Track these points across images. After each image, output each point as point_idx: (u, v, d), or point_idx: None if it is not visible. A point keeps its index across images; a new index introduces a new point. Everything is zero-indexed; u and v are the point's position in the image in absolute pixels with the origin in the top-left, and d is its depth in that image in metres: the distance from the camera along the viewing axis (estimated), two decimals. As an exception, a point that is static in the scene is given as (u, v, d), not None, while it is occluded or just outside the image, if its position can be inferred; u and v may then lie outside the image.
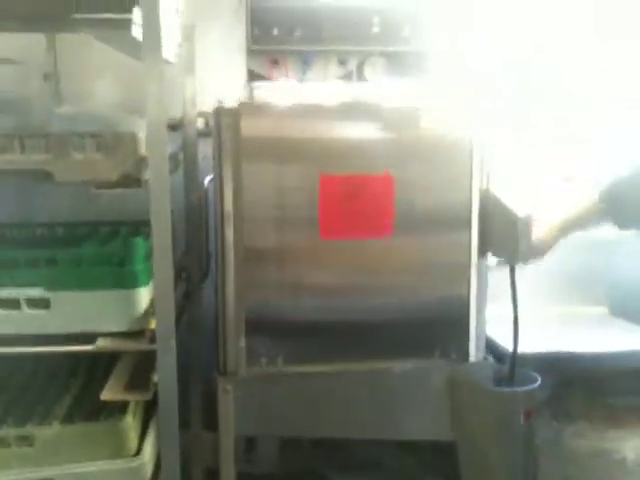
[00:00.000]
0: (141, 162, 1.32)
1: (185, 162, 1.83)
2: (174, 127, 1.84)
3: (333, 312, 1.49)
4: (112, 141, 1.31)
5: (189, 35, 1.79)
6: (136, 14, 1.24)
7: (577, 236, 2.05)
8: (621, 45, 2.18)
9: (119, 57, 1.75)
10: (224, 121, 1.40)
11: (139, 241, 1.38)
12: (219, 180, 1.43)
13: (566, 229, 1.62)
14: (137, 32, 1.25)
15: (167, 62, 1.72)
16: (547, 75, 2.16)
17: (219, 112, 1.41)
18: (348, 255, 1.48)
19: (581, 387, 1.77)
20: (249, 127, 1.40)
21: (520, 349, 1.67)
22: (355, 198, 1.45)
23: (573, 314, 2.15)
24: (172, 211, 1.77)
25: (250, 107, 1.44)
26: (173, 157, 1.80)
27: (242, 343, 1.45)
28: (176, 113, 1.85)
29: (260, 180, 1.43)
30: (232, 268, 1.44)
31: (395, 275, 1.51)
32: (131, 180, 1.30)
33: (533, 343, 1.77)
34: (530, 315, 2.11)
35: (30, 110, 1.82)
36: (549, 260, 2.09)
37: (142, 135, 1.37)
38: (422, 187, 1.49)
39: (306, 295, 1.48)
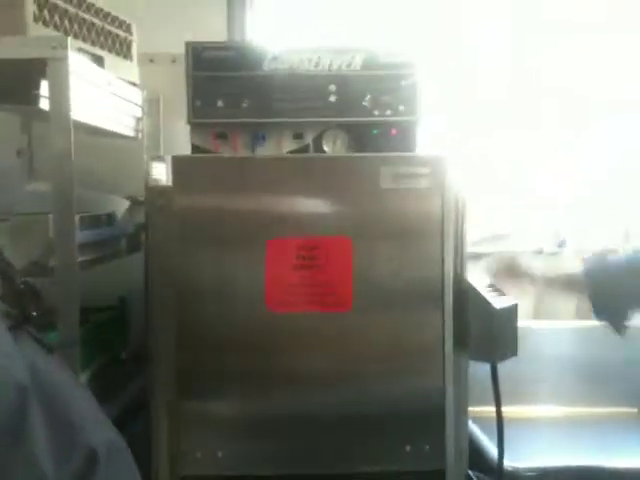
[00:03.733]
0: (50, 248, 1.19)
1: (146, 240, 1.70)
2: (135, 204, 1.74)
3: (283, 406, 1.29)
4: (21, 224, 1.18)
5: (154, 109, 1.71)
6: (44, 87, 1.13)
7: (602, 331, 1.80)
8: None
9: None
10: (155, 203, 1.26)
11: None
12: (148, 268, 1.28)
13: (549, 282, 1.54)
14: (44, 104, 1.14)
15: (125, 137, 1.63)
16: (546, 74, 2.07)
17: (150, 193, 1.27)
18: (301, 334, 1.28)
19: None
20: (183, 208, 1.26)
21: (516, 463, 1.44)
22: (307, 265, 1.27)
23: (599, 416, 1.88)
24: (124, 297, 1.65)
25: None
26: (134, 236, 1.68)
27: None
28: (138, 190, 1.75)
29: (195, 259, 1.27)
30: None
31: (357, 362, 1.30)
32: (39, 268, 1.16)
33: (536, 454, 1.52)
34: (546, 418, 1.87)
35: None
36: (571, 355, 1.86)
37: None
38: (385, 259, 1.29)
39: (250, 385, 1.28)
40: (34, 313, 0.70)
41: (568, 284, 1.54)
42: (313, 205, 1.28)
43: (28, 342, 0.69)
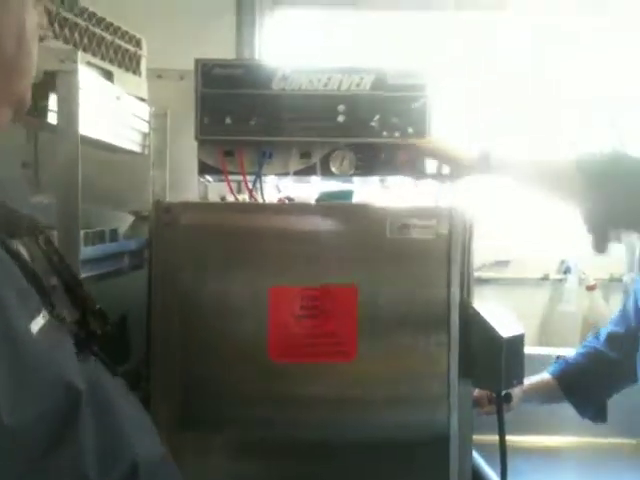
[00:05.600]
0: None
1: (150, 257, 1.68)
2: (139, 219, 1.72)
3: (283, 431, 1.27)
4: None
5: (161, 124, 1.70)
6: (52, 100, 1.12)
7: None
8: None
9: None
10: (161, 219, 1.25)
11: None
12: (152, 289, 1.26)
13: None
14: (52, 117, 1.13)
15: (132, 152, 1.62)
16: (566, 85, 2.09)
17: (156, 208, 1.26)
18: (303, 382, 1.28)
19: None
20: (189, 227, 1.25)
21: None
22: (311, 315, 1.26)
23: (601, 446, 1.85)
24: (124, 315, 1.63)
25: (192, 205, 1.30)
26: (137, 253, 1.66)
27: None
28: (142, 205, 1.73)
29: (199, 288, 1.26)
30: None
31: (358, 407, 1.28)
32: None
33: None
34: (549, 447, 1.84)
35: (4, 197, 1.73)
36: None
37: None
38: (390, 299, 1.28)
39: (252, 408, 1.26)
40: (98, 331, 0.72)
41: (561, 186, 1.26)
42: (320, 248, 1.27)
43: (93, 362, 0.70)
